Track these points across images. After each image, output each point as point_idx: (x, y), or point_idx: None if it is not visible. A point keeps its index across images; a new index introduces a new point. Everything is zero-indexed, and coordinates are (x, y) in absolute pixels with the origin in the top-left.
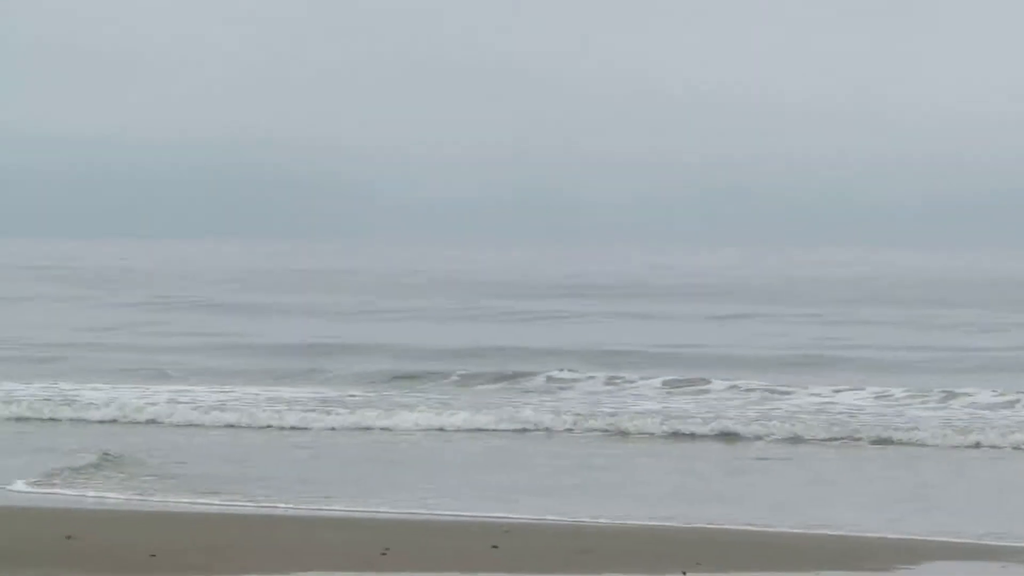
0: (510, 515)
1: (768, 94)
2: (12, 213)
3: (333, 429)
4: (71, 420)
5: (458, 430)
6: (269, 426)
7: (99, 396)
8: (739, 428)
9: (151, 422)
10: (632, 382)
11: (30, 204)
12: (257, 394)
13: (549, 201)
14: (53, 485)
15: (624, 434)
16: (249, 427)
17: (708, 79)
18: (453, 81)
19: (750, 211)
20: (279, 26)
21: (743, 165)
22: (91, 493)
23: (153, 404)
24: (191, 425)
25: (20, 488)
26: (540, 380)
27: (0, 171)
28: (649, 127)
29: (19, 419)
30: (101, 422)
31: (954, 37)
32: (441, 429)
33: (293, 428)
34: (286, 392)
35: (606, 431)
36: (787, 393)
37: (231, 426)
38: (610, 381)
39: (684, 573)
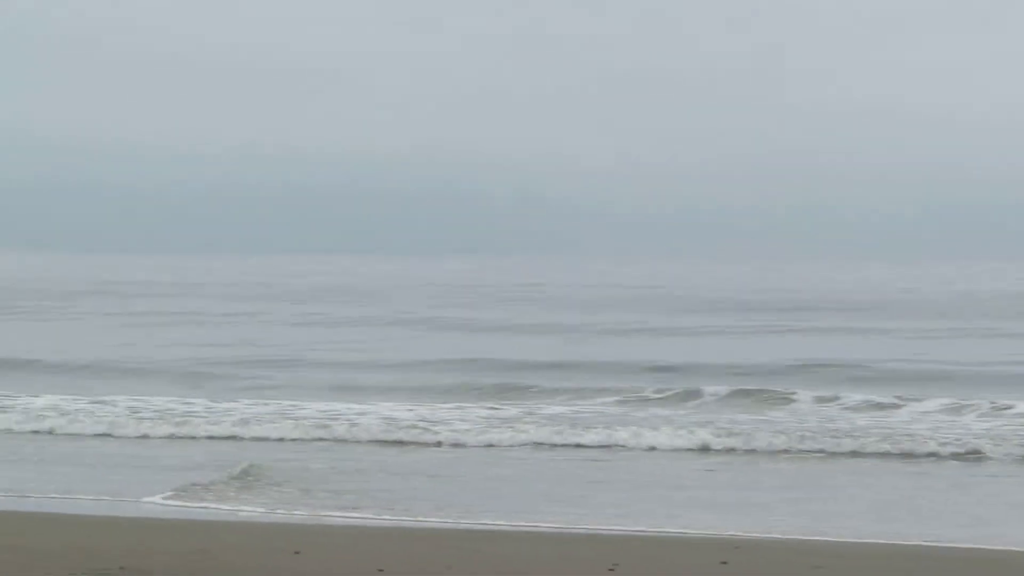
0: (740, 532)
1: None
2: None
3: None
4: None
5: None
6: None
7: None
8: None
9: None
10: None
11: (238, 220)
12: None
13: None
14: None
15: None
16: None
17: (945, 98)
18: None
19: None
20: (481, 43)
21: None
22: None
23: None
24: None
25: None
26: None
27: (217, 186)
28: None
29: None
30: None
31: None
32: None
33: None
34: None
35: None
36: None
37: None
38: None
39: None
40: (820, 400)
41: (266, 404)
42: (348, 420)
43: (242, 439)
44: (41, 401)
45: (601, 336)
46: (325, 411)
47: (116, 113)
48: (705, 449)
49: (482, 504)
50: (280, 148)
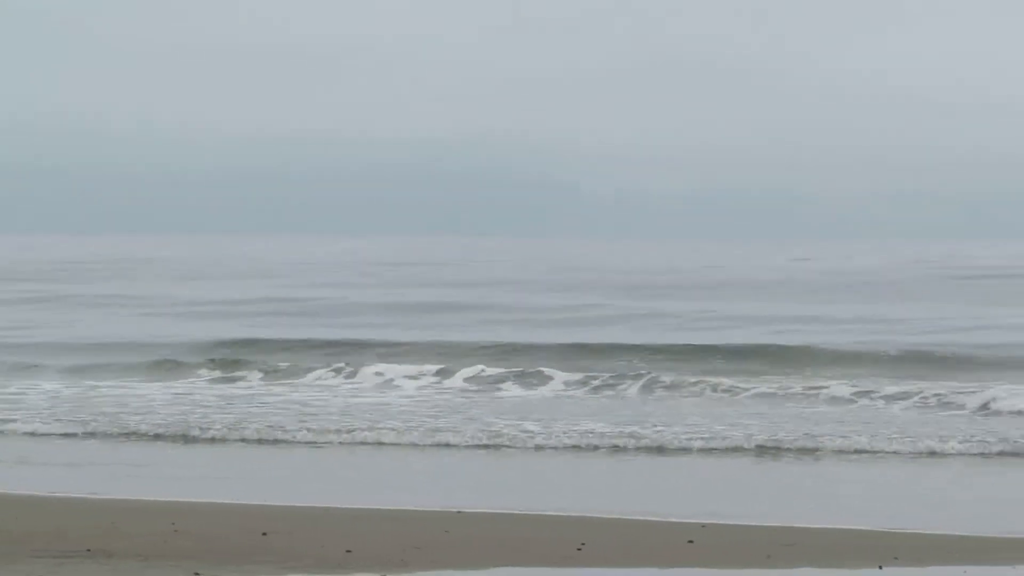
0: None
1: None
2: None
3: None
4: None
5: None
6: None
7: None
8: None
9: None
10: None
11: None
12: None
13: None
14: None
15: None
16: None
17: (942, 80)
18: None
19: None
20: (492, 29)
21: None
22: None
23: None
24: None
25: None
26: None
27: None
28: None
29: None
30: None
31: None
32: None
33: None
34: None
35: None
36: None
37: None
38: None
39: (880, 567)
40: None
41: None
42: None
43: None
44: None
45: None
46: None
47: (139, 97)
48: None
49: None
50: (289, 133)
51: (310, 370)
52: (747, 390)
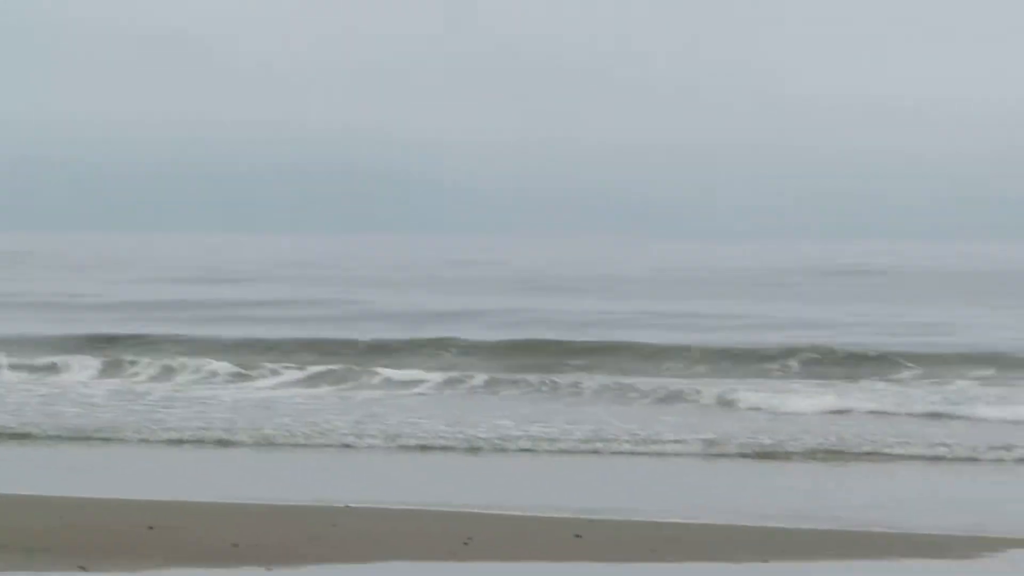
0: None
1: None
2: None
3: None
4: None
5: None
6: None
7: None
8: None
9: None
10: None
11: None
12: None
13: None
14: None
15: None
16: None
17: (804, 78)
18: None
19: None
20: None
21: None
22: None
23: None
24: None
25: None
26: None
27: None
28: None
29: None
30: None
31: None
32: None
33: None
34: None
35: None
36: None
37: None
38: None
39: (765, 561)
40: None
41: None
42: None
43: None
44: None
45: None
46: None
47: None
48: None
49: None
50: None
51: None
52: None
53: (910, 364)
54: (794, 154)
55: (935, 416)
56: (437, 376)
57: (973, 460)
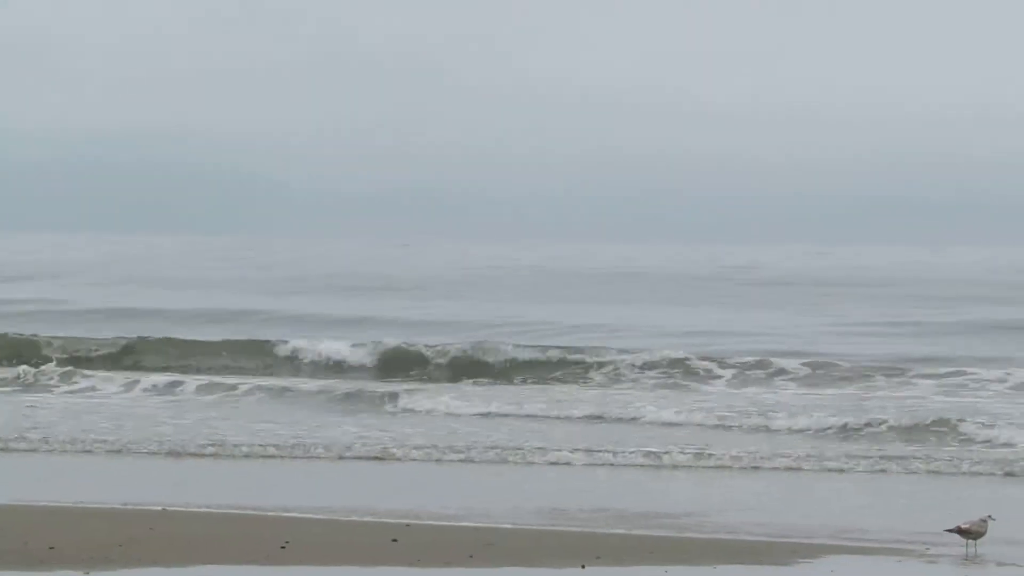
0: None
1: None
2: None
3: None
4: None
5: None
6: None
7: None
8: None
9: None
10: None
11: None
12: None
13: (445, 199)
14: None
15: None
16: None
17: (625, 81)
18: (343, 75)
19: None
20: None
21: (670, 165)
22: None
23: None
24: None
25: None
26: None
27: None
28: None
29: None
30: None
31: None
32: None
33: None
34: None
35: None
36: None
37: None
38: None
39: (583, 567)
40: None
41: None
42: None
43: None
44: None
45: None
46: None
47: None
48: None
49: None
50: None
51: None
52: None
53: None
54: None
55: None
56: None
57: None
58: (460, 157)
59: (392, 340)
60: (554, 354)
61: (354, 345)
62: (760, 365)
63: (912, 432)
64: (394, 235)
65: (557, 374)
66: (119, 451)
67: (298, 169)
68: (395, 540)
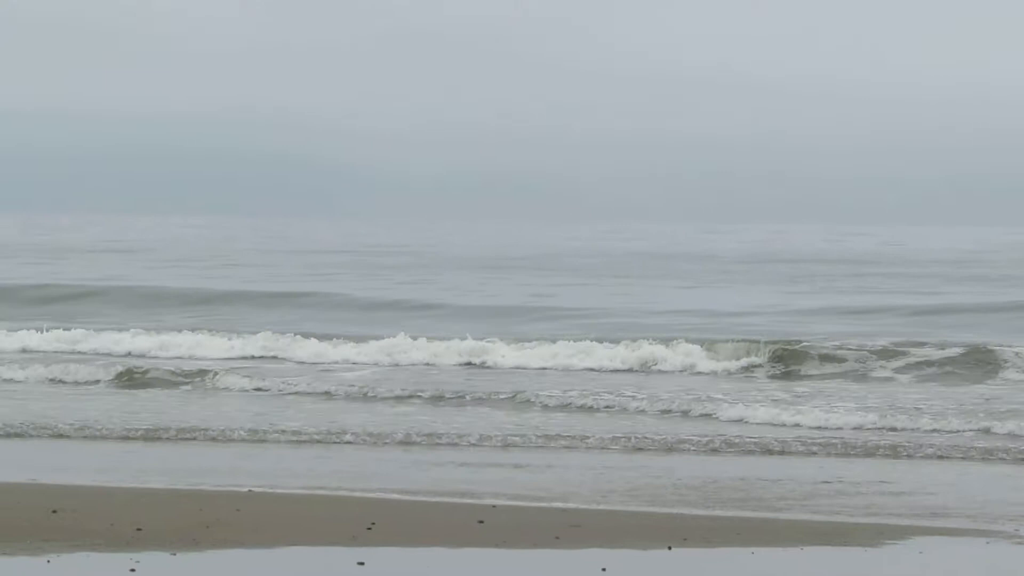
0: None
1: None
2: None
3: None
4: None
5: None
6: None
7: None
8: None
9: None
10: None
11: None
12: None
13: (534, 181)
14: None
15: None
16: None
17: (708, 60)
18: (434, 55)
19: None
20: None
21: (737, 145)
22: None
23: None
24: None
25: None
26: None
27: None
28: (644, 107)
29: None
30: None
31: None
32: None
33: None
34: None
35: None
36: None
37: None
38: None
39: (669, 548)
40: None
41: None
42: None
43: None
44: None
45: None
46: None
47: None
48: None
49: None
50: (44, 108)
51: None
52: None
53: None
54: None
55: None
56: None
57: None
58: (546, 137)
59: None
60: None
61: None
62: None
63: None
64: (486, 216)
65: None
66: (215, 439)
67: (381, 150)
68: (481, 521)
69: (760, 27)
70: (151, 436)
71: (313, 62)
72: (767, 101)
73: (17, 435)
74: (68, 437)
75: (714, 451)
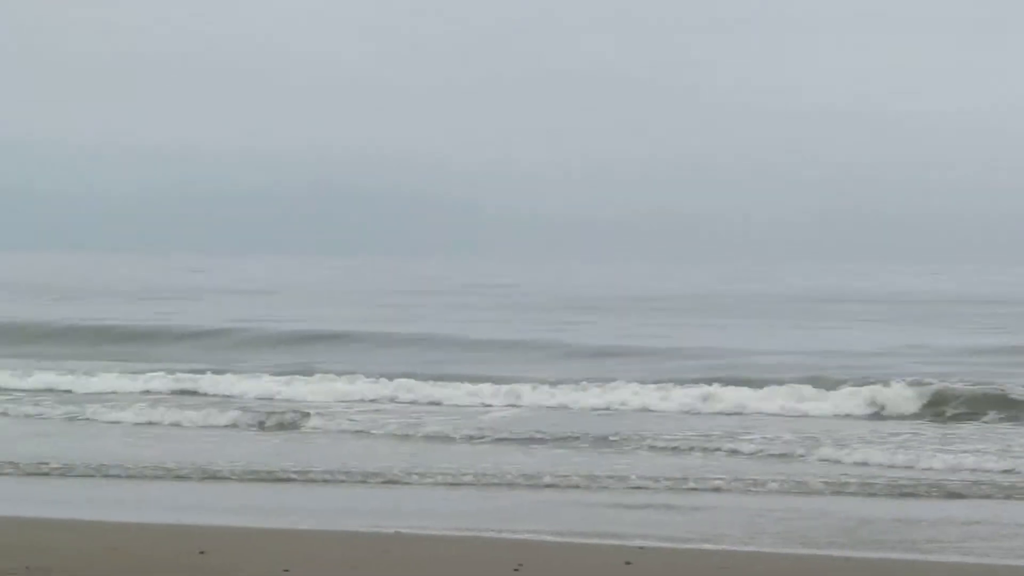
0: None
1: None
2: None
3: None
4: None
5: None
6: None
7: None
8: None
9: None
10: None
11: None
12: None
13: (671, 219)
14: None
15: None
16: None
17: (839, 94)
18: (559, 93)
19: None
20: (383, 41)
21: (865, 180)
22: None
23: None
24: None
25: None
26: None
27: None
28: (765, 143)
29: None
30: None
31: None
32: None
33: None
34: None
35: None
36: None
37: None
38: None
39: None
40: None
41: None
42: None
43: None
44: None
45: None
46: None
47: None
48: None
49: None
50: (181, 147)
51: None
52: None
53: None
54: None
55: None
56: None
57: None
58: (695, 173)
59: None
60: None
61: None
62: None
63: None
64: (623, 256)
65: None
66: (363, 481)
67: (519, 192)
68: (628, 563)
69: (909, 61)
70: (304, 478)
71: (452, 103)
72: (920, 135)
73: (178, 478)
74: (224, 479)
75: (871, 495)
